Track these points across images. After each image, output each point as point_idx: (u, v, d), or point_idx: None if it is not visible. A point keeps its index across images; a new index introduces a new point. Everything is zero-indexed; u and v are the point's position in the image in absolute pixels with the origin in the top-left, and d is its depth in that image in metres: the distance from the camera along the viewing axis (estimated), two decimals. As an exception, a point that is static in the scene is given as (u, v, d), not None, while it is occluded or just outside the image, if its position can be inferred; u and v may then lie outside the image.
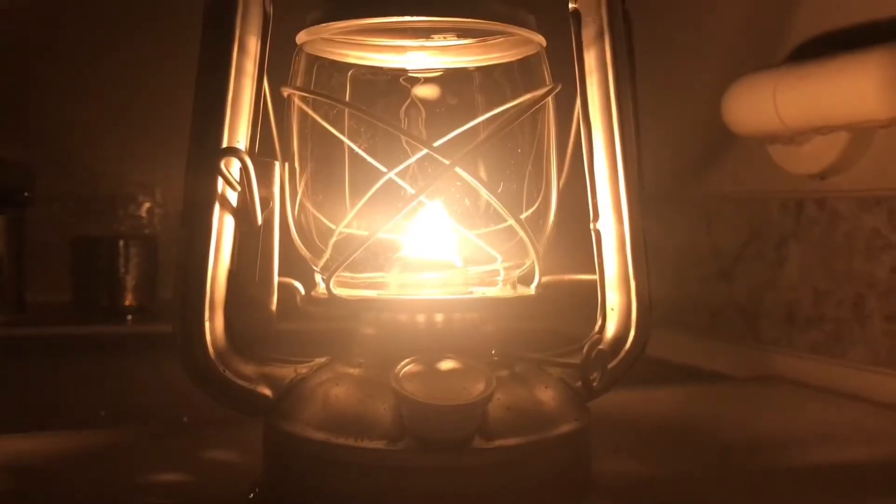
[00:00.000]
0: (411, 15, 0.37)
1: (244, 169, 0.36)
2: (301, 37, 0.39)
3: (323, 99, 0.40)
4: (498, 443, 0.34)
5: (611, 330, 0.40)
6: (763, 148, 0.75)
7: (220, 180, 0.36)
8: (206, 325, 0.36)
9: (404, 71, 0.41)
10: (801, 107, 0.66)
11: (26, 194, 0.93)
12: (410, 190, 0.39)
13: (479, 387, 0.34)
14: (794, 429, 0.60)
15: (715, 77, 0.78)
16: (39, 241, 1.04)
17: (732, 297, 0.82)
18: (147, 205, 1.16)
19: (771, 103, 0.67)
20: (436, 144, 0.39)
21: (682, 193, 0.88)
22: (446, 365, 0.35)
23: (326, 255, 0.40)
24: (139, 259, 1.01)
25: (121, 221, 1.14)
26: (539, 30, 0.40)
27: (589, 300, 0.41)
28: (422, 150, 0.39)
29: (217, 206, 0.36)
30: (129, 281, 1.00)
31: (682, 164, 0.88)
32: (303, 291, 0.39)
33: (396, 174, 0.39)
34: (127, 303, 1.00)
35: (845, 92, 0.62)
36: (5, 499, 0.44)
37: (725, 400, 0.70)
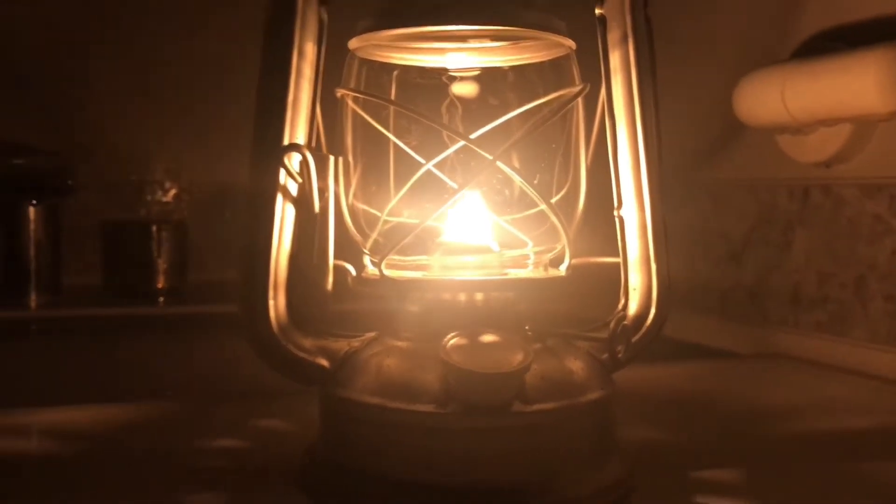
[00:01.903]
0: (455, 24, 0.40)
1: (304, 163, 0.40)
2: (353, 42, 0.42)
3: (373, 99, 0.44)
4: (535, 407, 0.38)
5: (633, 308, 0.43)
6: (771, 137, 0.77)
7: (283, 173, 0.40)
8: (270, 303, 0.40)
9: (445, 70, 0.44)
10: (808, 101, 0.69)
11: (69, 182, 0.95)
12: (452, 184, 0.42)
13: (518, 357, 0.37)
14: (797, 401, 0.63)
15: (726, 71, 0.80)
16: (72, 227, 1.07)
17: (741, 279, 0.85)
18: (174, 191, 1.20)
19: (779, 97, 0.70)
20: (472, 137, 0.43)
21: (694, 180, 0.90)
22: (487, 338, 0.38)
23: (372, 239, 0.43)
24: (170, 243, 1.03)
25: (148, 207, 1.18)
26: (568, 33, 0.43)
27: (612, 281, 0.45)
28: (459, 142, 0.42)
29: (280, 197, 0.40)
30: (161, 264, 1.03)
31: (695, 153, 0.89)
32: (354, 273, 0.42)
33: (437, 166, 0.43)
34: (159, 285, 1.03)
35: (849, 88, 0.64)
36: (76, 460, 0.48)
37: (733, 375, 0.72)
